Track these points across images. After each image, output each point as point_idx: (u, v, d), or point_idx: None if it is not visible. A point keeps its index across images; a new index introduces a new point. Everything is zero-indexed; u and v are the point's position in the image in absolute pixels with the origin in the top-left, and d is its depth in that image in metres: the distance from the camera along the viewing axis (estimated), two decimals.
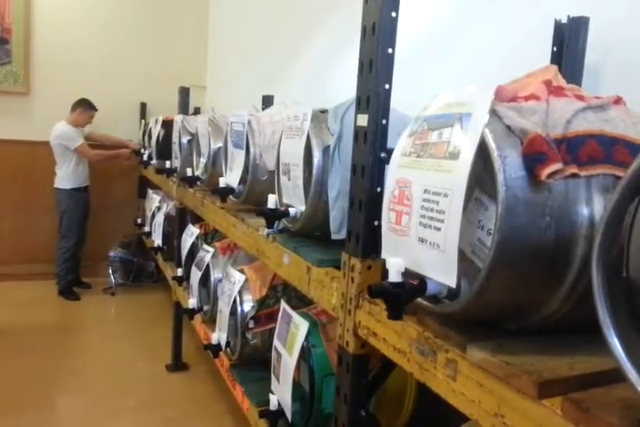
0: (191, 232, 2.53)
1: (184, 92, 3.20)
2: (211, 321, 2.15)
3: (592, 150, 0.70)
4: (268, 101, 3.01)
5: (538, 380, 0.66)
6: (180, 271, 2.67)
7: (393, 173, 0.88)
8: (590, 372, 0.69)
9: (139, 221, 4.34)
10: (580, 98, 0.78)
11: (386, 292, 0.80)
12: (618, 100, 0.80)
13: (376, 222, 1.03)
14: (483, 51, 1.68)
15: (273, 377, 1.48)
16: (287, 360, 1.38)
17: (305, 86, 2.97)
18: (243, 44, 4.09)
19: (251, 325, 1.72)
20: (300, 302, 1.68)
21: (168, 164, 2.99)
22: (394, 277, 0.80)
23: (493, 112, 0.73)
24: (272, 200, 1.38)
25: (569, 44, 1.21)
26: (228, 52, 4.52)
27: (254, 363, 1.81)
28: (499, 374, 0.71)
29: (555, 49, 1.22)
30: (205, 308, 2.22)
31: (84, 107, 4.29)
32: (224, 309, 1.82)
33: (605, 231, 0.54)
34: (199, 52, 5.01)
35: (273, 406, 1.41)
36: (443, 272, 0.76)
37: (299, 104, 1.58)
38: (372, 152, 1.05)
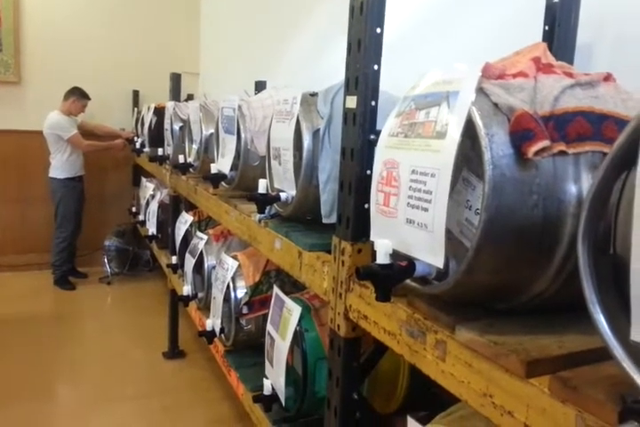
0: (185, 220, 2.52)
1: (176, 79, 3.17)
2: (205, 308, 2.15)
3: (580, 127, 0.69)
4: (260, 87, 2.98)
5: (526, 359, 0.66)
6: (174, 259, 2.66)
7: (381, 154, 0.87)
8: (579, 350, 0.69)
9: (133, 209, 4.33)
10: (570, 75, 0.77)
11: (374, 274, 0.80)
12: (608, 77, 0.79)
13: (366, 205, 1.02)
14: (476, 31, 1.66)
15: (267, 362, 1.49)
16: (280, 345, 1.38)
17: (298, 71, 2.95)
18: (235, 29, 4.04)
19: (244, 311, 1.72)
20: (294, 287, 1.67)
21: (160, 151, 2.97)
22: (382, 258, 0.79)
23: (481, 90, 0.72)
24: (263, 185, 1.37)
25: (560, 22, 1.19)
26: (220, 38, 4.46)
27: (249, 349, 1.82)
28: (487, 354, 0.71)
29: (546, 28, 1.21)
30: (200, 295, 2.22)
31: (77, 96, 4.25)
32: (218, 295, 1.82)
33: (591, 208, 0.54)
34: (191, 39, 4.95)
35: (267, 390, 1.41)
36: (430, 253, 0.75)
37: (289, 88, 1.56)
38: (361, 134, 1.04)
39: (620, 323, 0.54)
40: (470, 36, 1.68)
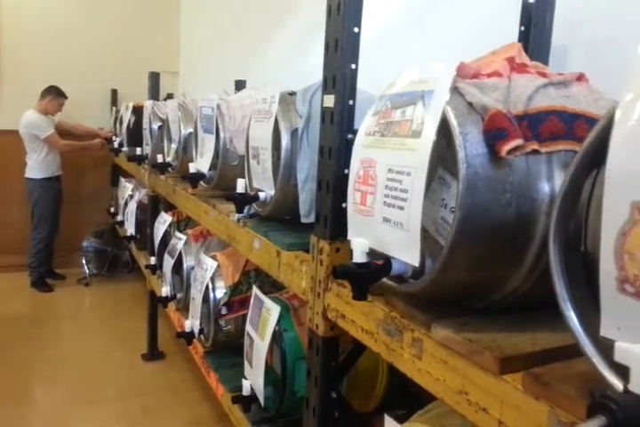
0: (164, 220, 2.50)
1: (154, 78, 3.14)
2: (185, 309, 2.13)
3: (553, 126, 0.70)
4: (240, 86, 2.96)
5: (499, 356, 0.66)
6: (153, 260, 2.63)
7: (358, 153, 0.87)
8: (551, 347, 0.69)
9: (112, 210, 4.28)
10: (543, 75, 0.77)
11: (350, 273, 0.80)
12: (580, 77, 0.80)
13: (344, 204, 1.01)
14: (455, 31, 1.67)
15: (246, 363, 1.48)
16: (259, 345, 1.37)
17: (279, 70, 2.94)
18: (215, 28, 4.01)
19: (223, 311, 1.70)
20: (273, 287, 1.67)
21: (139, 151, 2.93)
22: (358, 257, 0.79)
23: (455, 89, 0.73)
24: (241, 184, 1.36)
25: (536, 23, 1.20)
26: (200, 37, 4.43)
27: (228, 349, 1.81)
28: (462, 352, 0.71)
29: (522, 28, 1.22)
30: (179, 296, 2.20)
31: (54, 94, 4.18)
32: (196, 296, 1.80)
33: (562, 206, 0.54)
34: (171, 38, 4.90)
35: (246, 391, 1.40)
36: (406, 251, 0.75)
37: (268, 87, 1.55)
38: (338, 133, 1.04)
39: (591, 319, 0.55)
40: (450, 35, 1.69)
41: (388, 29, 1.94)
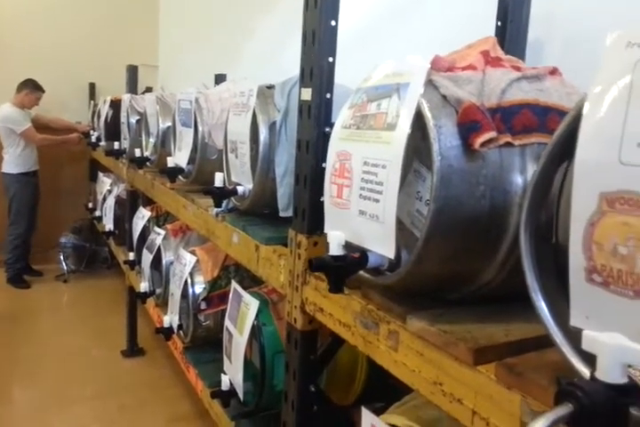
0: (142, 215, 2.47)
1: (132, 71, 3.10)
2: (164, 304, 2.11)
3: (526, 119, 0.70)
4: (220, 80, 2.94)
5: (474, 347, 0.67)
6: (131, 255, 2.61)
7: (334, 146, 0.87)
8: (525, 338, 0.70)
9: (90, 205, 4.22)
10: (517, 68, 0.78)
11: (327, 265, 0.80)
12: (554, 71, 0.80)
13: (322, 198, 1.01)
14: (435, 25, 1.67)
15: (225, 358, 1.47)
16: (238, 340, 1.36)
17: (260, 64, 2.92)
18: (195, 21, 3.97)
19: (202, 306, 1.69)
20: (253, 282, 1.66)
21: (117, 145, 2.90)
22: (334, 250, 0.80)
23: (430, 82, 0.73)
24: (219, 178, 1.36)
25: (512, 18, 1.21)
26: (180, 31, 4.38)
27: (207, 345, 1.80)
28: (437, 343, 0.72)
29: (499, 23, 1.22)
30: (158, 291, 2.18)
31: (30, 88, 4.11)
32: (175, 291, 1.79)
33: (532, 196, 0.55)
34: (150, 31, 4.83)
35: (225, 386, 1.40)
36: (382, 244, 0.76)
37: (247, 80, 1.54)
38: (316, 127, 1.03)
39: (562, 310, 0.56)
40: (431, 30, 1.69)
41: (370, 23, 1.94)
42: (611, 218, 0.47)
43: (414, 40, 1.73)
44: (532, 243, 0.56)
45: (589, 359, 0.48)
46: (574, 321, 0.52)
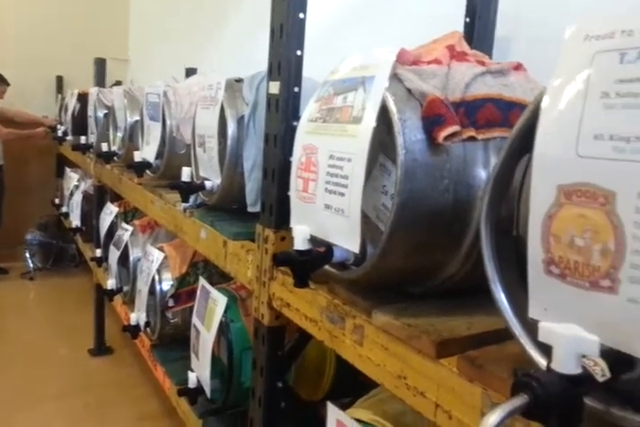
0: (110, 211, 2.42)
1: (100, 64, 3.03)
2: (131, 302, 2.08)
3: (489, 114, 0.71)
4: (191, 74, 2.90)
5: (436, 340, 0.67)
6: (98, 252, 2.56)
7: (300, 139, 0.86)
8: (486, 330, 0.71)
9: (57, 201, 4.12)
10: (482, 63, 0.78)
11: (292, 260, 0.79)
12: (518, 67, 0.81)
13: (289, 192, 1.01)
14: (404, 22, 1.68)
15: (192, 355, 1.45)
16: (206, 337, 1.35)
17: (232, 58, 2.89)
18: (167, 14, 3.91)
19: (170, 303, 1.67)
20: (222, 278, 1.64)
21: (84, 139, 2.83)
22: (299, 244, 0.79)
23: (395, 75, 0.73)
24: (186, 173, 1.33)
25: (480, 15, 1.22)
26: (150, 24, 4.31)
27: (175, 343, 1.77)
28: (401, 337, 0.72)
29: (467, 20, 1.23)
30: (125, 288, 2.14)
31: None
32: (143, 288, 1.76)
33: (493, 189, 0.55)
34: (120, 24, 4.74)
35: (192, 383, 1.38)
36: (347, 238, 0.75)
37: (216, 73, 1.52)
38: (283, 120, 1.03)
39: (522, 302, 0.56)
40: (400, 24, 1.70)
41: (341, 17, 1.93)
42: (568, 210, 0.47)
43: (384, 34, 1.73)
44: (493, 236, 0.56)
45: (547, 351, 0.48)
46: (533, 313, 0.52)
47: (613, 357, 0.45)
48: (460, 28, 1.28)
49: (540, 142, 0.49)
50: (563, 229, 0.48)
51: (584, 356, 0.43)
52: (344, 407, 0.98)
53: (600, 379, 0.43)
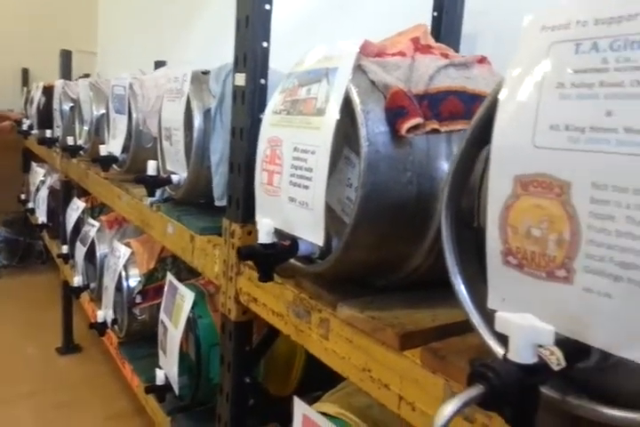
0: (76, 206, 2.37)
1: (66, 56, 2.96)
2: (99, 299, 2.04)
3: (453, 106, 0.71)
4: (160, 67, 2.85)
5: (400, 332, 0.67)
6: (65, 248, 2.50)
7: (265, 131, 0.85)
8: (450, 322, 0.71)
9: (23, 197, 4.02)
10: (446, 56, 0.78)
11: (256, 254, 0.78)
12: (482, 60, 0.81)
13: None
14: (371, 14, 1.67)
15: (160, 352, 1.43)
16: (173, 333, 1.33)
17: (201, 51, 2.84)
18: (136, 6, 3.83)
19: (137, 300, 1.64)
20: (190, 273, 1.62)
21: (49, 133, 2.76)
22: (264, 238, 0.78)
23: (359, 67, 0.72)
24: (152, 166, 1.31)
25: (447, 9, 1.22)
26: (120, 16, 4.22)
27: (143, 340, 1.74)
28: (366, 329, 0.72)
29: (435, 14, 1.23)
30: (92, 285, 2.10)
31: None
32: (109, 284, 1.73)
33: (452, 181, 0.55)
34: (89, 16, 4.63)
35: (159, 380, 1.36)
36: (311, 231, 0.75)
37: (183, 65, 1.49)
38: (250, 113, 1.01)
39: (482, 293, 0.56)
40: (367, 17, 1.69)
41: (308, 10, 1.92)
42: (525, 201, 0.47)
43: (353, 28, 1.73)
44: (454, 228, 0.56)
45: (505, 341, 0.49)
46: (492, 303, 0.52)
47: (569, 346, 0.45)
48: (428, 22, 1.28)
49: (498, 133, 0.49)
50: (520, 219, 0.48)
51: (540, 345, 0.44)
52: (313, 401, 0.98)
53: (556, 368, 0.44)
